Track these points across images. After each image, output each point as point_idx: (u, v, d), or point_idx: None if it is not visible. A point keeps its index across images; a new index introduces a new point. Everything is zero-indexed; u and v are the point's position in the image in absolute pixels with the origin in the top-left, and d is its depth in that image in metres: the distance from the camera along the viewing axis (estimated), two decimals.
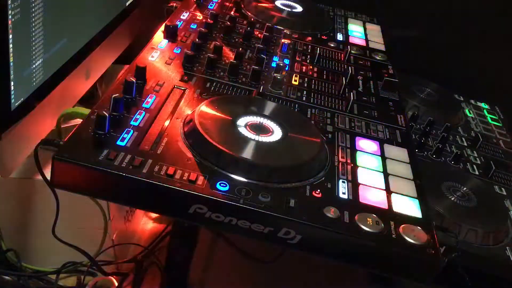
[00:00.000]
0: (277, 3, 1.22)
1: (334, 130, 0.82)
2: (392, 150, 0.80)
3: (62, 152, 0.62)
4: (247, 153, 0.68)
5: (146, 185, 0.62)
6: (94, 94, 1.20)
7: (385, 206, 0.68)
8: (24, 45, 0.78)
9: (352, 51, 1.10)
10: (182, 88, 0.82)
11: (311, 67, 1.01)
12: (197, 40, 0.95)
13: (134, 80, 0.76)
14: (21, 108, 0.81)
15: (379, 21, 1.32)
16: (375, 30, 1.27)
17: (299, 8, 1.23)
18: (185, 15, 1.07)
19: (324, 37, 1.16)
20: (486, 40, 1.39)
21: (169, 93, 0.80)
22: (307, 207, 0.64)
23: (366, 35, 1.23)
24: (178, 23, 1.01)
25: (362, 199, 0.68)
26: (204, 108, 0.75)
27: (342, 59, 1.07)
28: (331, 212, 0.64)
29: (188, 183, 0.62)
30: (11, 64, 0.75)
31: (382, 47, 1.18)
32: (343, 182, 0.70)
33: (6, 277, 0.92)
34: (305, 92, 0.91)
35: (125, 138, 0.67)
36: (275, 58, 1.00)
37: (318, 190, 0.67)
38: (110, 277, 0.96)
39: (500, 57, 1.39)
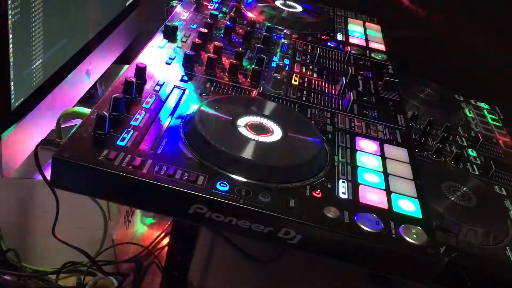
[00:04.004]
0: (277, 3, 1.22)
1: (334, 130, 0.82)
2: (392, 150, 0.80)
3: (62, 152, 0.62)
4: (247, 153, 0.68)
5: (146, 185, 0.62)
6: (94, 94, 1.21)
7: (385, 206, 0.68)
8: (24, 45, 0.78)
9: (352, 51, 1.10)
10: (182, 88, 0.82)
11: (311, 67, 1.01)
12: (197, 40, 0.95)
13: (134, 80, 0.76)
14: (21, 108, 0.81)
15: (379, 21, 1.32)
16: (375, 30, 1.27)
17: (299, 8, 1.23)
18: (185, 15, 1.07)
19: (324, 37, 1.16)
20: (486, 40, 1.39)
21: (169, 93, 0.80)
22: (307, 207, 0.64)
23: (366, 35, 1.23)
24: (178, 23, 1.01)
25: (362, 199, 0.68)
26: (204, 108, 0.75)
27: (342, 59, 1.07)
28: (331, 212, 0.64)
29: (188, 183, 0.62)
30: (11, 64, 0.75)
31: (382, 47, 1.18)
32: (343, 182, 0.70)
33: (6, 277, 0.92)
34: (305, 92, 0.91)
35: (125, 138, 0.67)
36: (275, 58, 1.00)
37: (318, 190, 0.67)
38: (110, 277, 0.97)
39: (500, 57, 1.39)
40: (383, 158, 0.78)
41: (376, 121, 0.87)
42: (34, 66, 0.82)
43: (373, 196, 0.69)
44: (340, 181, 0.70)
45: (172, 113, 0.75)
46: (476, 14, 1.37)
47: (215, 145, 0.67)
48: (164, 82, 0.82)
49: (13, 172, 0.86)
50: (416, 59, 1.35)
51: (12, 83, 0.76)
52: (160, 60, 0.88)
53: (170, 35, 0.96)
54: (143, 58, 0.87)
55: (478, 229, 0.81)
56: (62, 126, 0.88)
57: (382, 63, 1.10)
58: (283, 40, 1.07)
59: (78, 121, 0.88)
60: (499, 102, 1.30)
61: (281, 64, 0.96)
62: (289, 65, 0.99)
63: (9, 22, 0.72)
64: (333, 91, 0.94)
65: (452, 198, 0.86)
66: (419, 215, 0.68)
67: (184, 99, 0.80)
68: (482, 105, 1.29)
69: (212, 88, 0.85)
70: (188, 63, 0.88)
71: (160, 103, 0.77)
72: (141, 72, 0.80)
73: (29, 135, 0.85)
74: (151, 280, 1.01)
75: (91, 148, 0.64)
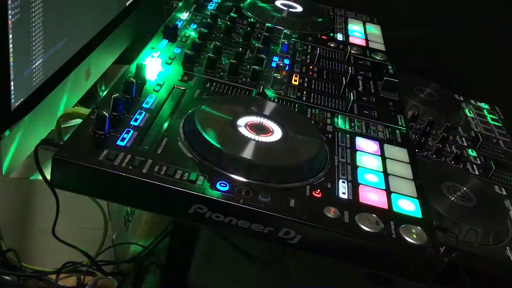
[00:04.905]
0: (277, 3, 1.22)
1: (334, 130, 0.82)
2: (392, 150, 0.80)
3: (62, 152, 0.62)
4: (247, 153, 0.68)
5: (146, 185, 0.62)
6: (94, 94, 1.20)
7: (385, 206, 0.68)
8: (24, 45, 0.78)
9: (352, 51, 1.10)
10: (182, 88, 0.82)
11: (311, 67, 1.01)
12: (197, 40, 0.95)
13: (134, 80, 0.76)
14: (21, 108, 0.81)
15: (379, 21, 1.32)
16: (375, 30, 1.27)
17: (299, 8, 1.23)
18: (185, 15, 1.07)
19: (324, 37, 1.16)
20: (486, 40, 1.39)
21: (169, 93, 0.80)
22: (307, 207, 0.64)
23: (366, 35, 1.23)
24: (178, 23, 1.01)
25: (362, 199, 0.68)
26: (204, 108, 0.75)
27: (342, 59, 1.07)
28: (331, 212, 0.64)
29: (188, 183, 0.62)
30: (11, 64, 0.75)
31: (382, 47, 1.18)
32: (343, 182, 0.70)
33: (6, 277, 0.92)
34: (305, 92, 0.91)
35: (125, 138, 0.67)
36: (275, 58, 1.00)
37: (318, 190, 0.67)
38: (110, 277, 0.96)
39: (500, 57, 1.39)
40: (383, 158, 0.78)
41: (376, 121, 0.87)
42: (34, 66, 0.82)
43: (373, 196, 0.69)
44: (340, 181, 0.70)
45: (172, 113, 0.75)
46: (476, 14, 1.37)
47: (215, 145, 0.67)
48: (164, 82, 0.82)
49: (13, 172, 0.86)
50: (416, 59, 1.35)
51: (12, 83, 0.76)
52: (160, 60, 0.88)
53: (170, 35, 0.96)
54: (143, 58, 0.87)
55: (478, 229, 0.81)
56: (62, 126, 0.88)
57: (382, 63, 1.10)
58: (283, 40, 1.07)
59: (78, 121, 0.89)
60: (499, 102, 1.30)
61: (281, 64, 0.96)
62: (289, 65, 0.99)
63: (9, 22, 0.72)
64: (333, 91, 0.94)
65: (452, 198, 0.86)
66: (419, 215, 0.68)
67: (184, 99, 0.80)
68: (482, 105, 1.29)
69: (212, 88, 0.85)
70: (188, 63, 0.88)
71: (160, 103, 0.77)
72: (141, 72, 0.80)
73: (29, 135, 0.85)
74: (151, 280, 1.01)
75: (91, 148, 0.64)
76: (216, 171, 0.66)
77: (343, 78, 0.96)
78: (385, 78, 1.00)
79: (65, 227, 0.85)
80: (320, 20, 1.23)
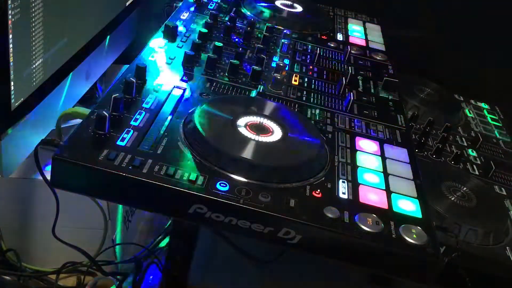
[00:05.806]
0: (277, 3, 1.22)
1: (334, 130, 0.82)
2: (392, 150, 0.80)
3: (62, 152, 0.62)
4: (247, 153, 0.68)
5: (146, 185, 0.62)
6: (94, 94, 1.21)
7: (385, 206, 0.68)
8: (24, 45, 0.78)
9: (352, 51, 1.10)
10: (182, 88, 0.82)
11: (311, 67, 1.01)
12: (197, 40, 0.95)
13: (134, 80, 0.76)
14: (21, 108, 0.81)
15: (379, 21, 1.32)
16: (375, 30, 1.27)
17: (299, 8, 1.23)
18: (185, 15, 1.07)
19: (324, 37, 1.16)
20: (486, 40, 1.39)
21: (169, 93, 0.80)
22: (307, 207, 0.64)
23: (366, 35, 1.23)
24: (178, 23, 1.01)
25: (362, 199, 0.68)
26: (204, 108, 0.75)
27: (342, 59, 1.07)
28: (331, 212, 0.64)
29: (188, 183, 0.62)
30: (11, 64, 0.75)
31: (382, 47, 1.18)
32: (343, 182, 0.70)
33: (6, 277, 0.92)
34: (305, 92, 0.91)
35: (125, 138, 0.67)
36: (275, 58, 1.00)
37: (318, 190, 0.67)
38: (110, 277, 0.97)
39: (500, 57, 1.39)
40: (383, 158, 0.78)
41: (376, 121, 0.87)
42: (34, 66, 0.82)
43: (373, 196, 0.69)
44: (340, 181, 0.70)
45: (172, 113, 0.75)
46: (476, 14, 1.37)
47: (215, 145, 0.67)
48: (164, 82, 0.82)
49: (13, 172, 0.86)
50: (416, 59, 1.35)
51: (12, 83, 0.76)
52: (160, 60, 0.88)
53: (170, 35, 0.96)
54: (143, 58, 0.87)
55: (478, 229, 0.81)
56: (62, 126, 0.88)
57: (382, 63, 1.10)
58: (283, 40, 1.07)
59: (78, 121, 0.89)
60: (499, 102, 1.30)
61: (281, 64, 0.96)
62: (289, 65, 0.99)
63: (9, 22, 0.72)
64: (333, 91, 0.94)
65: (452, 198, 0.86)
66: (419, 215, 0.68)
67: (184, 99, 0.80)
68: (482, 105, 1.29)
69: (212, 88, 0.85)
70: (188, 63, 0.88)
71: (160, 103, 0.77)
72: (141, 72, 0.80)
73: (29, 135, 0.85)
74: (151, 280, 1.01)
75: (91, 148, 0.64)
76: (216, 171, 0.66)
77: (343, 78, 0.96)
78: (385, 78, 1.00)
79: (65, 227, 0.85)
80: (320, 20, 1.23)
